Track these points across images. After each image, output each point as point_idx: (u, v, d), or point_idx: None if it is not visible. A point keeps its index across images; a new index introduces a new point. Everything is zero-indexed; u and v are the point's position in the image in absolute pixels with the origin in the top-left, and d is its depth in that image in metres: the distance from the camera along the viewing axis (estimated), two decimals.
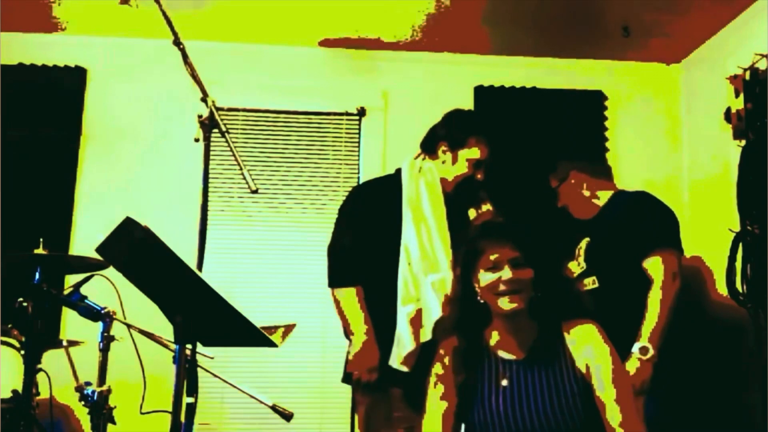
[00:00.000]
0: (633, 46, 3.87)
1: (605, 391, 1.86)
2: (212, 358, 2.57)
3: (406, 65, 4.04)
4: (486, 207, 2.75)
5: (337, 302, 2.72)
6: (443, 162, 2.76)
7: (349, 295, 2.66)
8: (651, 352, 2.55)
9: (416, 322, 2.52)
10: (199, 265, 1.89)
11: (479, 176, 2.74)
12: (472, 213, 2.74)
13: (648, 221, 2.82)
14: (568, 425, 1.84)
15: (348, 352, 2.67)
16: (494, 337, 2.00)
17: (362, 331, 2.59)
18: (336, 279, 2.73)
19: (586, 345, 1.93)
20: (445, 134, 2.78)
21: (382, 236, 2.64)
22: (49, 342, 2.92)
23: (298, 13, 3.64)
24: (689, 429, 2.95)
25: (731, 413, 3.28)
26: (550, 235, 2.74)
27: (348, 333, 2.67)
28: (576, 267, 2.95)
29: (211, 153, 2.02)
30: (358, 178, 3.92)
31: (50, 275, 2.77)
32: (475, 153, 2.73)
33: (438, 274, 2.54)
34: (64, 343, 2.92)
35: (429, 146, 2.82)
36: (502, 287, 1.93)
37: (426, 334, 2.50)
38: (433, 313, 2.50)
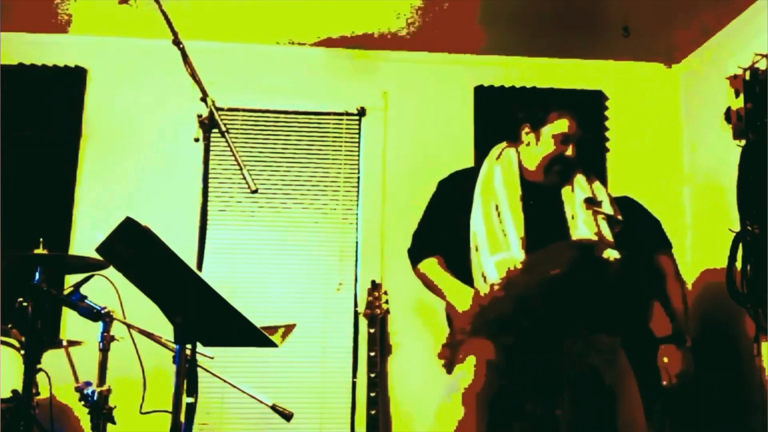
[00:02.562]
0: (633, 46, 3.87)
1: None
2: (212, 358, 2.58)
3: (406, 65, 4.04)
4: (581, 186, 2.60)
5: (422, 276, 2.69)
6: (527, 144, 2.64)
7: (431, 263, 2.64)
8: (688, 341, 2.63)
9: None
10: (199, 265, 1.89)
11: (569, 152, 2.58)
12: (566, 193, 2.59)
13: (642, 227, 2.87)
14: None
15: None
16: None
17: (460, 287, 2.50)
18: (416, 255, 2.72)
19: None
20: (525, 115, 2.67)
21: (458, 225, 2.58)
22: (49, 342, 2.92)
23: (299, 13, 3.64)
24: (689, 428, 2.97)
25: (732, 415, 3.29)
26: None
27: (445, 298, 2.59)
28: None
29: (211, 153, 2.02)
30: (358, 178, 3.92)
31: (50, 275, 2.77)
32: (559, 127, 2.57)
33: (504, 253, 2.42)
34: (64, 343, 2.92)
35: (510, 132, 2.72)
36: None
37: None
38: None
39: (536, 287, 1.90)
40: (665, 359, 2.69)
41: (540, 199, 2.57)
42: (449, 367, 2.28)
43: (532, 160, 2.62)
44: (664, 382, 2.66)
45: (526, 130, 2.64)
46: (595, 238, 2.42)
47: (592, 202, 2.55)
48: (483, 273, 2.42)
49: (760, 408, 2.98)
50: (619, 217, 2.58)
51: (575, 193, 2.59)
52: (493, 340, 1.98)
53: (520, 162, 2.65)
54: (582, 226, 2.48)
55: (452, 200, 2.66)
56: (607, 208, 2.58)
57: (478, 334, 2.07)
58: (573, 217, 2.52)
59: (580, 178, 2.62)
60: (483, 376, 1.92)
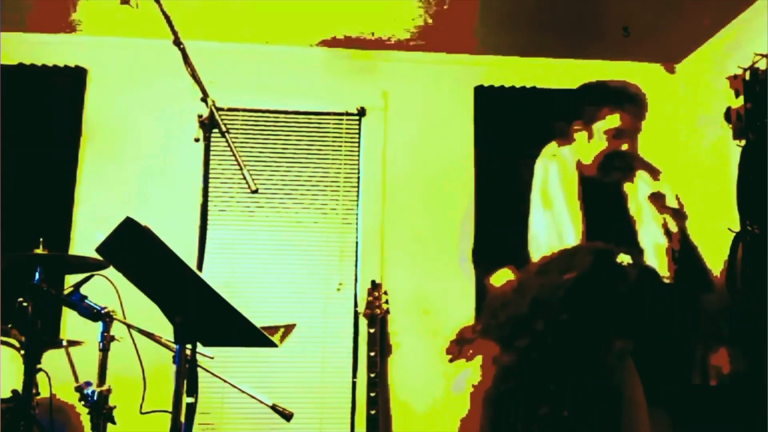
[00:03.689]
0: (633, 46, 3.87)
1: None
2: (212, 358, 2.57)
3: (406, 65, 4.04)
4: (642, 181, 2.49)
5: (492, 289, 2.53)
6: (579, 141, 2.56)
7: (504, 272, 2.45)
8: None
9: None
10: (199, 265, 1.89)
11: (625, 147, 2.48)
12: (629, 189, 2.50)
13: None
14: None
15: None
16: None
17: None
18: (486, 267, 2.56)
19: None
20: (576, 111, 2.57)
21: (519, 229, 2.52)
22: (49, 342, 2.92)
23: (299, 13, 3.63)
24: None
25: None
26: None
27: None
28: None
29: (211, 153, 2.03)
30: (358, 178, 3.92)
31: (50, 275, 2.77)
32: (612, 122, 2.47)
33: None
34: (64, 343, 2.92)
35: (562, 130, 2.63)
36: None
37: None
38: None
39: (551, 290, 1.90)
40: (716, 359, 2.55)
41: (599, 197, 2.48)
42: (454, 358, 2.28)
43: (586, 157, 2.53)
44: (713, 382, 2.59)
45: (577, 127, 2.56)
46: (663, 233, 2.37)
47: (658, 198, 2.47)
48: None
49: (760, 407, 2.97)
50: (686, 212, 2.51)
51: (638, 189, 2.50)
52: (504, 341, 1.98)
53: (576, 160, 2.55)
54: (650, 222, 2.41)
55: (510, 204, 2.59)
56: (673, 203, 2.50)
57: (488, 335, 2.07)
58: (638, 214, 2.45)
59: (642, 174, 2.53)
60: (490, 376, 1.92)
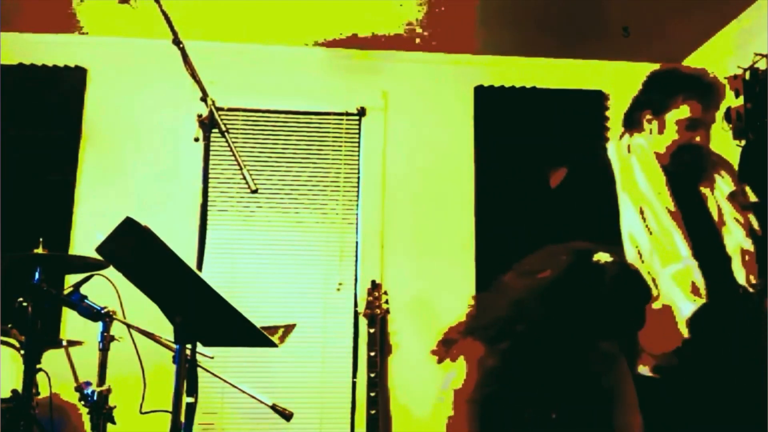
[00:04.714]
0: (633, 46, 3.87)
1: None
2: (212, 358, 2.57)
3: (406, 65, 4.04)
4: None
5: None
6: (650, 132, 2.32)
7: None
8: None
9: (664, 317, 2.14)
10: (199, 265, 1.89)
11: (698, 139, 2.25)
12: (707, 187, 2.28)
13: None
14: None
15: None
16: None
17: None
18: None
19: None
20: (647, 100, 2.35)
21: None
22: (49, 342, 2.92)
23: (298, 13, 3.63)
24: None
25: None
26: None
27: None
28: None
29: (211, 153, 2.03)
30: (358, 178, 3.92)
31: (50, 275, 2.77)
32: (682, 112, 2.25)
33: (678, 263, 2.12)
34: (64, 343, 2.92)
35: (631, 120, 2.40)
36: None
37: (683, 332, 2.11)
38: (683, 308, 2.10)
39: (529, 291, 1.89)
40: None
41: (680, 195, 2.25)
42: (440, 360, 2.26)
43: (657, 150, 2.31)
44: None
45: (648, 117, 2.33)
46: (746, 234, 2.19)
47: (737, 195, 2.27)
48: (656, 288, 2.12)
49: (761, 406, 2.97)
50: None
51: (718, 187, 2.29)
52: (488, 344, 1.97)
53: (653, 153, 2.31)
54: (732, 224, 2.23)
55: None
56: (752, 197, 2.32)
57: (472, 335, 2.06)
58: (721, 214, 2.24)
59: (718, 170, 2.32)
60: (474, 378, 1.91)
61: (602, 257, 2.02)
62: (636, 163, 2.27)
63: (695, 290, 2.08)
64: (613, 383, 1.89)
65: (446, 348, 2.21)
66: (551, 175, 3.03)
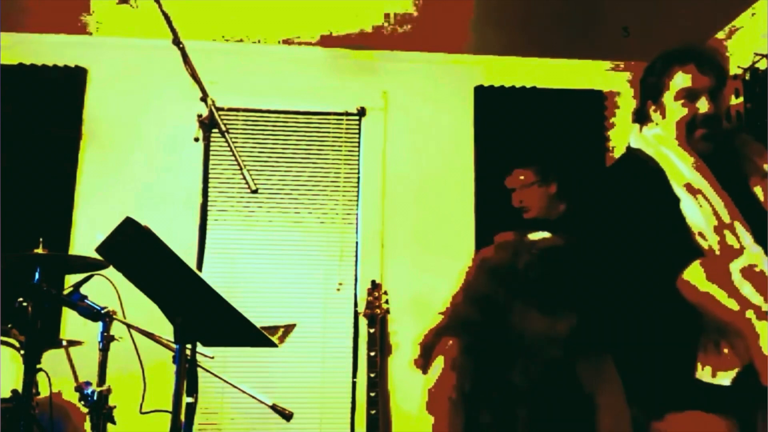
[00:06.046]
0: (633, 46, 3.87)
1: None
2: (212, 358, 2.57)
3: (406, 65, 4.04)
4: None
5: (688, 288, 1.96)
6: (656, 124, 2.17)
7: (696, 269, 1.94)
8: None
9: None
10: (199, 265, 1.89)
11: (705, 108, 2.04)
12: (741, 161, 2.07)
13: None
14: None
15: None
16: None
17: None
18: (676, 264, 2.01)
19: None
20: (645, 90, 2.21)
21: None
22: (49, 342, 2.92)
23: (298, 13, 3.64)
24: None
25: None
26: None
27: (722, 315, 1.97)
28: None
29: (211, 153, 2.02)
30: (358, 178, 3.93)
31: (50, 275, 2.77)
32: (675, 85, 2.08)
33: (743, 257, 1.91)
34: (64, 343, 2.92)
35: (641, 114, 2.26)
36: None
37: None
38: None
39: (483, 282, 1.86)
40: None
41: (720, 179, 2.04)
42: (424, 369, 2.23)
43: (671, 135, 2.12)
44: None
45: (653, 108, 2.19)
46: None
47: None
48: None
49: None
50: None
51: (751, 158, 2.10)
52: (461, 342, 1.96)
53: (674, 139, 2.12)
54: None
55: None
56: None
57: (446, 335, 2.05)
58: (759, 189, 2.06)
59: (744, 137, 2.15)
60: (451, 376, 1.90)
61: (537, 235, 1.97)
62: (670, 152, 2.08)
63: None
64: (596, 388, 1.88)
65: (425, 357, 2.22)
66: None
